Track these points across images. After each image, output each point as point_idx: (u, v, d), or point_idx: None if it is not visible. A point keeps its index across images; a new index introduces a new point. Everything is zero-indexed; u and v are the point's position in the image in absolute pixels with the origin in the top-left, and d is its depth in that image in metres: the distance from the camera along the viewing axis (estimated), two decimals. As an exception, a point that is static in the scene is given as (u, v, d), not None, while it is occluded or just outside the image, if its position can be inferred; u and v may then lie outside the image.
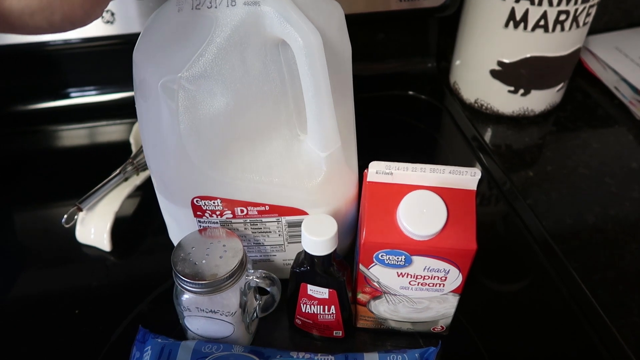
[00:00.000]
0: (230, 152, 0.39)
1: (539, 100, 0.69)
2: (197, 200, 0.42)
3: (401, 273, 0.40)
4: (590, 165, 0.63)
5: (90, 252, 0.54)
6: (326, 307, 0.42)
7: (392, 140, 0.69)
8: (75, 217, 0.53)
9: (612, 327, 0.46)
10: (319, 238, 0.37)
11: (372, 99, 0.74)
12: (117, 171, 0.56)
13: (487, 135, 0.69)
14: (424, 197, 0.37)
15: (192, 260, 0.39)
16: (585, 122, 0.70)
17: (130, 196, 0.56)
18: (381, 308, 0.43)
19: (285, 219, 0.43)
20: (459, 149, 0.68)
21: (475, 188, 0.38)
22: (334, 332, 0.45)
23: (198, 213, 0.43)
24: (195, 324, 0.42)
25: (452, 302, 0.42)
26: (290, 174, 0.40)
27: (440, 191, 0.38)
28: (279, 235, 0.44)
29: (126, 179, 0.56)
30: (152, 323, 0.44)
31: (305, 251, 0.39)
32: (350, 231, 0.48)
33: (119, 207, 0.54)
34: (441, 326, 0.45)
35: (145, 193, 0.59)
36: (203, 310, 0.40)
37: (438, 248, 0.37)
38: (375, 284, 0.41)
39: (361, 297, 0.43)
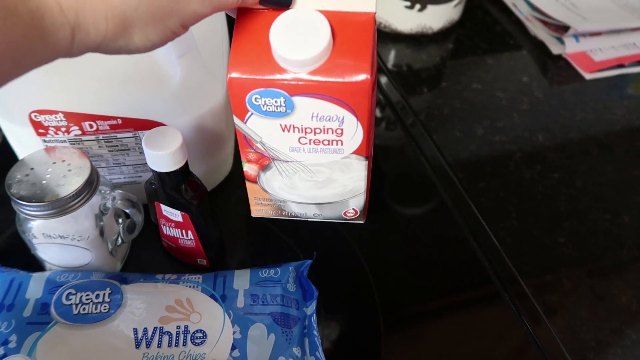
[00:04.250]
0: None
1: (437, 16, 0.67)
2: (35, 116, 0.37)
3: (285, 126, 0.32)
4: (484, 80, 0.63)
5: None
6: (183, 231, 0.39)
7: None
8: None
9: (488, 231, 0.47)
10: (159, 152, 0.34)
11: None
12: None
13: (387, 56, 0.67)
14: (302, 15, 0.29)
15: (31, 181, 0.35)
16: (482, 38, 0.69)
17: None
18: (275, 184, 0.36)
19: (142, 134, 0.39)
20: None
21: (374, 9, 0.30)
22: (198, 259, 0.42)
23: (40, 131, 0.38)
24: (49, 253, 0.39)
25: (359, 170, 0.34)
26: (141, 80, 0.36)
27: (327, 15, 0.29)
28: (140, 152, 0.41)
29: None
30: (8, 259, 0.40)
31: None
32: (221, 147, 0.45)
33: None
34: (353, 209, 0.38)
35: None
36: (51, 236, 0.37)
37: (322, 83, 0.29)
38: (259, 145, 0.34)
39: (248, 169, 0.35)
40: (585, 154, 0.56)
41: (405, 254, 0.46)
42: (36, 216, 0.35)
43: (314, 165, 0.34)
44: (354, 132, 0.32)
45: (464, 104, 0.60)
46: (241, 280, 0.39)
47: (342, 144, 0.33)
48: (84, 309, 0.36)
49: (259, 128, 0.32)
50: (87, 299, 0.37)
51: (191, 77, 0.37)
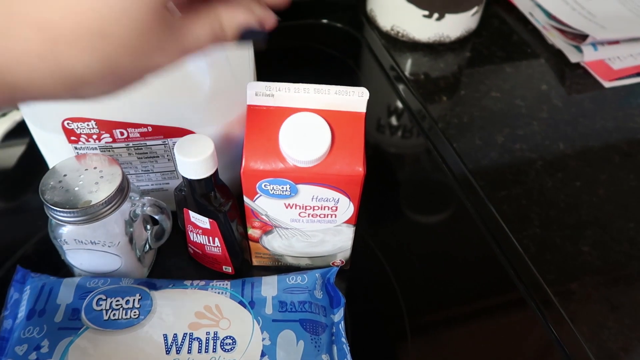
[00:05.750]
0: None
1: (454, 25, 0.67)
2: (68, 123, 0.37)
3: (289, 204, 0.37)
4: (502, 89, 0.63)
5: (-32, 196, 0.49)
6: (210, 238, 0.40)
7: (305, 72, 0.66)
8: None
9: (512, 238, 0.47)
10: (190, 159, 0.34)
11: (283, 29, 0.70)
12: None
13: (404, 64, 0.67)
14: (307, 119, 0.34)
15: (64, 188, 0.36)
16: (500, 47, 0.69)
17: (11, 132, 0.51)
18: (275, 243, 0.41)
19: (172, 141, 0.40)
20: (377, 79, 0.66)
21: (364, 110, 0.35)
22: (223, 267, 0.42)
23: (72, 138, 0.38)
24: (78, 259, 0.39)
25: (348, 234, 0.40)
26: (172, 89, 0.37)
27: (325, 114, 0.34)
28: (169, 160, 0.41)
29: (4, 114, 0.51)
30: (38, 265, 0.41)
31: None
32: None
33: (-3, 144, 0.49)
34: (340, 260, 0.43)
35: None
36: (82, 242, 0.37)
37: (323, 175, 0.34)
38: (264, 217, 0.38)
39: (252, 232, 0.40)
40: (606, 161, 0.55)
41: (429, 260, 0.46)
42: (69, 222, 0.36)
43: (310, 231, 0.39)
44: (346, 209, 0.37)
45: (484, 112, 0.60)
46: (269, 286, 0.39)
47: (335, 217, 0.38)
48: (114, 314, 0.36)
49: (265, 205, 0.37)
50: (117, 305, 0.37)
51: (220, 85, 0.38)
